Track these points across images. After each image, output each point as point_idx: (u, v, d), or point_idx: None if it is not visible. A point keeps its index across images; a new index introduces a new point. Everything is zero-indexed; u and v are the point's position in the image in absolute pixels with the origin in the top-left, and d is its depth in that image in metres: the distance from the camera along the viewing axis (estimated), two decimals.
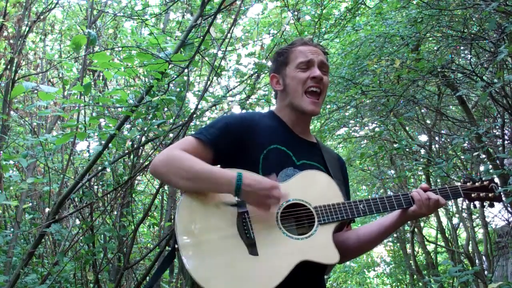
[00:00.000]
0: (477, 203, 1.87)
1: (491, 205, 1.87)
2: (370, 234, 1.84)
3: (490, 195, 1.85)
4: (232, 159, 1.73)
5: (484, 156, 5.03)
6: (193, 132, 1.84)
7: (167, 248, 4.02)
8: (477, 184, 1.86)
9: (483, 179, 1.87)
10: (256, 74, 4.65)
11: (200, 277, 1.48)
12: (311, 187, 1.71)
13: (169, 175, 1.64)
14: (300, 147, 1.82)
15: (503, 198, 4.90)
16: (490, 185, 1.86)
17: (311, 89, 1.80)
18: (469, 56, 5.03)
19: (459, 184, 1.86)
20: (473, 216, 7.13)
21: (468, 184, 1.86)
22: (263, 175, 1.68)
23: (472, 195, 1.84)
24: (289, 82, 1.83)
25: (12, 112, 4.36)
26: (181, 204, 1.62)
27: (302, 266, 1.57)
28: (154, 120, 3.34)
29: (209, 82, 3.71)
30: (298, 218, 1.67)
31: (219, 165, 1.86)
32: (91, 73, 5.01)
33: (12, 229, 4.13)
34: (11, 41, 4.12)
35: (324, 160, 1.86)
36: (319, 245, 1.62)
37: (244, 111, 4.51)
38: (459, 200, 7.15)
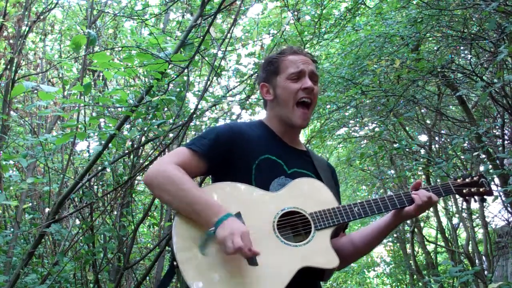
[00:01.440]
0: (469, 198, 1.89)
1: (483, 200, 1.89)
2: (365, 239, 1.84)
3: (481, 189, 1.87)
4: (223, 171, 1.74)
5: (484, 156, 5.03)
6: (195, 135, 1.83)
7: (167, 248, 4.02)
8: (467, 180, 1.88)
9: (473, 175, 1.90)
10: (256, 74, 4.65)
11: None
12: (304, 194, 1.71)
13: (162, 192, 1.62)
14: (291, 156, 1.83)
15: (500, 201, 4.91)
16: (480, 180, 1.88)
17: (303, 100, 1.81)
18: (469, 56, 5.04)
19: (450, 181, 1.88)
20: (473, 216, 7.14)
21: (458, 180, 1.88)
22: (255, 185, 1.69)
23: (464, 190, 1.86)
24: (280, 92, 1.83)
25: (12, 112, 4.36)
26: (177, 218, 1.62)
27: (300, 272, 1.57)
28: (154, 120, 3.34)
29: (209, 82, 3.71)
30: (294, 226, 1.67)
31: (211, 176, 1.86)
32: (91, 73, 5.01)
33: (12, 229, 4.13)
34: (11, 41, 4.12)
35: (314, 168, 1.86)
36: (318, 250, 1.62)
37: (244, 112, 4.52)
38: (459, 200, 7.15)
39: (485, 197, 1.88)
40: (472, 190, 1.86)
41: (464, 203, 6.78)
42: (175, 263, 1.54)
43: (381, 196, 1.78)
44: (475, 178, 1.88)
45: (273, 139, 1.85)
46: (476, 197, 1.88)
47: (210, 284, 1.51)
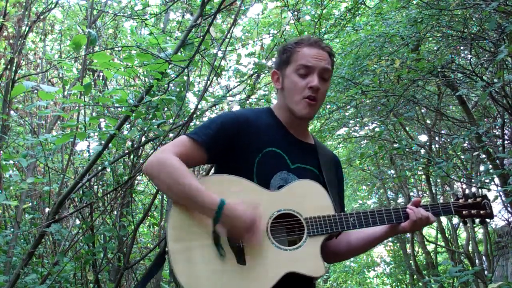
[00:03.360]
0: (469, 220, 1.88)
1: (482, 222, 1.87)
2: (360, 242, 1.85)
3: (482, 212, 1.84)
4: (226, 160, 1.73)
5: (484, 156, 5.03)
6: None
7: (167, 248, 4.02)
8: (469, 200, 1.85)
9: (476, 195, 1.87)
10: (256, 74, 4.65)
11: (187, 283, 1.51)
12: (303, 197, 1.70)
13: (159, 183, 1.64)
14: (296, 150, 1.81)
15: (500, 201, 4.91)
16: (483, 202, 1.85)
17: (307, 97, 1.77)
18: (469, 56, 5.04)
19: (451, 200, 1.86)
20: None
21: (460, 200, 1.85)
22: (257, 179, 1.69)
23: (464, 212, 1.84)
24: (287, 84, 1.80)
25: (12, 112, 4.36)
26: (172, 210, 1.63)
27: (289, 276, 1.58)
28: (154, 120, 3.34)
29: (209, 82, 3.71)
30: (288, 228, 1.67)
31: (215, 165, 1.86)
32: (91, 73, 5.01)
33: (12, 229, 4.12)
34: (11, 41, 4.12)
35: (319, 164, 1.84)
36: (307, 257, 1.62)
37: None
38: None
39: (485, 219, 1.86)
40: (472, 212, 1.84)
41: None
42: (166, 249, 1.56)
43: (379, 209, 1.78)
44: (477, 199, 1.85)
45: (280, 130, 1.82)
46: (475, 219, 1.86)
47: (196, 278, 1.52)
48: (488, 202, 1.86)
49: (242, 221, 1.54)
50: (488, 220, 1.87)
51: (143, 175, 5.01)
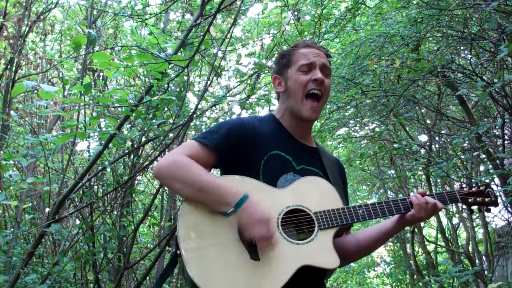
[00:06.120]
0: (474, 207, 1.90)
1: (488, 210, 1.90)
2: (369, 239, 1.85)
3: (486, 200, 1.88)
4: (233, 164, 1.75)
5: (484, 156, 5.02)
6: (196, 135, 1.85)
7: (167, 248, 4.02)
8: (473, 189, 1.88)
9: (479, 184, 1.90)
10: (256, 74, 4.65)
11: (202, 282, 1.50)
12: (311, 193, 1.72)
13: (174, 181, 1.64)
14: (300, 152, 1.83)
15: (500, 201, 4.91)
16: (486, 190, 1.88)
17: (312, 92, 1.80)
18: (469, 56, 5.04)
19: (456, 189, 1.89)
20: (473, 216, 7.13)
21: (464, 189, 1.88)
22: (263, 180, 1.71)
23: (469, 199, 1.87)
24: (290, 84, 1.84)
25: (12, 112, 4.36)
26: (183, 209, 1.63)
27: (303, 270, 1.58)
28: (154, 120, 3.35)
29: (209, 82, 3.71)
30: (298, 224, 1.68)
31: (220, 169, 1.87)
32: (91, 73, 5.01)
33: (12, 229, 4.12)
34: (11, 41, 4.12)
35: (323, 165, 1.87)
36: (320, 250, 1.63)
37: (244, 111, 4.52)
38: None
39: (490, 207, 1.89)
40: (478, 199, 1.87)
41: None
42: (178, 252, 1.55)
43: (386, 200, 1.80)
44: (481, 188, 1.89)
45: (283, 134, 1.86)
46: (481, 207, 1.88)
47: (211, 275, 1.52)
48: (491, 190, 1.89)
49: (256, 231, 1.55)
50: (493, 207, 1.90)
51: (143, 175, 5.02)
